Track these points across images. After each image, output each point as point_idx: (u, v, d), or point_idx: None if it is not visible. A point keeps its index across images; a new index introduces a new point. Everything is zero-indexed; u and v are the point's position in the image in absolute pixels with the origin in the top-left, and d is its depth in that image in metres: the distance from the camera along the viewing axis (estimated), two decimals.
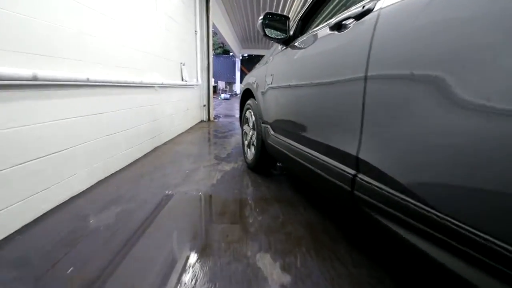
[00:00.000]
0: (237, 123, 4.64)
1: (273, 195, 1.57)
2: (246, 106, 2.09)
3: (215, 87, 15.75)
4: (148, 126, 2.41)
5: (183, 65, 3.43)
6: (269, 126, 1.56)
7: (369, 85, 0.67)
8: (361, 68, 0.70)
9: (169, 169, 1.97)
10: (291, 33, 1.34)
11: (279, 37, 1.28)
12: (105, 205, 1.37)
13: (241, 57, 17.16)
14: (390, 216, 0.64)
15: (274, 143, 1.46)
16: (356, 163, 0.73)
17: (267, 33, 1.25)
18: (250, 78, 2.04)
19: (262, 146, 1.72)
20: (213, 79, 4.93)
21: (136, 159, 2.17)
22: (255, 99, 1.90)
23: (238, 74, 17.22)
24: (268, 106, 1.58)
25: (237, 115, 5.96)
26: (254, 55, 17.78)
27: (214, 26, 6.35)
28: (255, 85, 1.86)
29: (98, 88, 1.64)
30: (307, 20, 1.33)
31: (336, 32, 0.87)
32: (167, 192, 1.55)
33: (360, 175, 0.72)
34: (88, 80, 1.48)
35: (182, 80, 3.44)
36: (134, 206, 1.36)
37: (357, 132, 0.72)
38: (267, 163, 1.84)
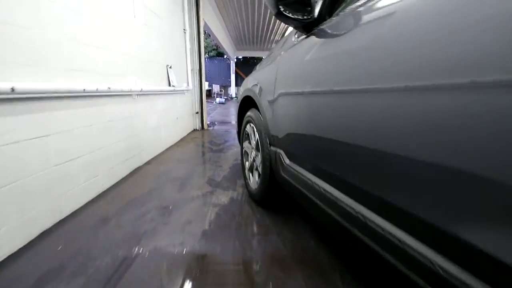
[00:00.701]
0: (234, 131, 4.17)
1: (290, 249, 1.09)
2: (246, 119, 1.61)
3: (209, 91, 15.27)
4: (123, 144, 1.93)
5: (170, 68, 2.95)
6: (282, 152, 1.08)
7: None
8: None
9: (145, 205, 1.48)
10: (316, 14, 0.87)
11: (299, 17, 0.80)
12: (34, 286, 0.88)
13: (235, 60, 16.71)
14: None
15: (291, 178, 0.99)
16: None
17: (282, 9, 0.78)
18: (251, 82, 1.57)
19: (271, 176, 1.24)
20: (207, 83, 4.47)
21: (104, 190, 1.68)
22: (258, 110, 1.43)
23: (233, 77, 16.74)
24: (279, 122, 1.10)
25: (234, 122, 5.48)
26: (249, 57, 17.37)
27: (206, 26, 5.89)
28: (257, 91, 1.40)
29: (36, 101, 1.16)
30: None
31: None
32: (135, 250, 1.06)
33: None
34: (13, 91, 0.99)
35: (169, 85, 2.96)
36: (78, 287, 0.87)
37: None
38: (278, 197, 1.37)
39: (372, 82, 0.55)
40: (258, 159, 1.41)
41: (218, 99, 11.94)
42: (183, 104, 3.65)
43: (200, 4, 3.92)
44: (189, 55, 3.81)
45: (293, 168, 0.98)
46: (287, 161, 1.03)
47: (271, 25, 8.48)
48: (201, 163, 2.41)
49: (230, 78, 16.90)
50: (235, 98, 14.42)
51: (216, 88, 15.92)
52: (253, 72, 1.68)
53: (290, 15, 0.79)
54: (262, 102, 1.32)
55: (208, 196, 1.62)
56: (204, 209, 1.44)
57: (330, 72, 0.73)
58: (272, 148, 1.19)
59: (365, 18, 0.62)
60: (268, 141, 1.25)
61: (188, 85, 3.77)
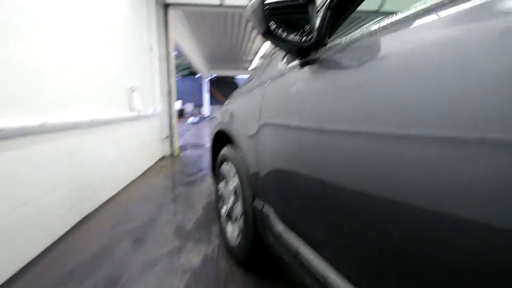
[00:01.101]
0: (208, 156, 3.84)
1: None
2: (220, 157, 1.34)
3: (182, 111, 14.79)
4: (67, 188, 1.53)
5: (132, 91, 2.62)
6: (271, 211, 0.82)
7: None
8: None
9: (87, 279, 1.10)
10: (314, 36, 0.64)
11: (296, 39, 0.58)
12: None
13: (209, 78, 16.53)
14: None
15: (284, 251, 0.72)
16: None
17: (271, 28, 0.54)
18: (227, 115, 1.31)
19: (256, 237, 0.96)
20: (180, 102, 4.13)
21: (39, 254, 1.27)
22: (233, 149, 1.17)
23: (206, 96, 16.48)
24: (267, 165, 0.84)
25: (208, 145, 5.15)
26: (223, 76, 17.33)
27: (178, 46, 5.65)
28: (236, 126, 1.14)
29: None
30: (342, 10, 0.65)
31: None
32: None
33: None
34: None
35: (134, 110, 2.61)
36: None
37: None
38: (265, 258, 1.08)
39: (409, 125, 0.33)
40: (238, 209, 1.13)
41: (191, 119, 11.53)
42: (150, 129, 3.28)
43: (169, 23, 3.68)
44: (158, 76, 3.51)
45: (287, 240, 0.71)
46: (279, 226, 0.76)
47: (243, 46, 8.47)
48: (168, 201, 2.05)
49: (203, 97, 16.62)
50: (209, 117, 14.11)
51: (189, 107, 15.52)
52: (228, 102, 1.43)
53: (283, 35, 0.56)
54: (241, 138, 1.06)
55: (175, 255, 1.29)
56: (169, 279, 1.10)
57: (340, 109, 0.50)
58: (258, 202, 0.92)
59: (385, 44, 0.42)
60: (251, 190, 0.98)
61: (156, 108, 3.43)
